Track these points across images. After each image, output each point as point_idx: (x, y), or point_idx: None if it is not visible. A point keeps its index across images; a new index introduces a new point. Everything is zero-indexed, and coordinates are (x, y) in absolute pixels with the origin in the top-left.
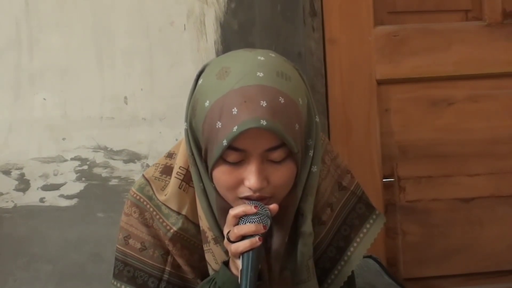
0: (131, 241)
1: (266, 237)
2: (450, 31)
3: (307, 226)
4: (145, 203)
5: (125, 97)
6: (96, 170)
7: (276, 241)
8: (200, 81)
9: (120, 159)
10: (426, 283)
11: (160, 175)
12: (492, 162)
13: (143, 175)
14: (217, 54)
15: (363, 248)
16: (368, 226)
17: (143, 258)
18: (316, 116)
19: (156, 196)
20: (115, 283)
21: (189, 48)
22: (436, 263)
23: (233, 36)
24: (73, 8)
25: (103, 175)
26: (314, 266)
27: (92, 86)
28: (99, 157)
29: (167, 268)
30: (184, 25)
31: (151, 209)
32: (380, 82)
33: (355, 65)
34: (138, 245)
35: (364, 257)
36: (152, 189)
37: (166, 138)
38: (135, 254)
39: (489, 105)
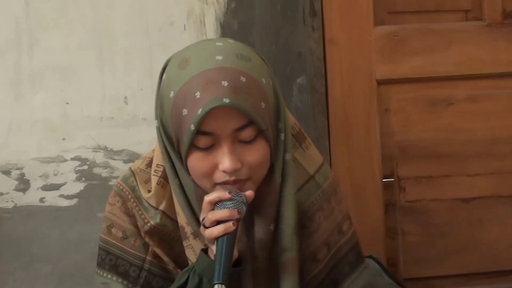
0: (113, 230)
1: (249, 226)
2: (450, 31)
3: (285, 216)
4: (127, 193)
5: (125, 97)
6: (96, 170)
7: (259, 229)
8: (164, 76)
9: (120, 159)
10: (426, 283)
11: (145, 168)
12: (492, 162)
13: (129, 168)
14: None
15: None
16: (356, 274)
17: (124, 247)
18: (283, 100)
19: (139, 188)
20: (98, 271)
21: None
22: (436, 263)
23: (233, 36)
24: (73, 8)
25: (103, 175)
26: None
27: (92, 86)
28: (99, 157)
29: (148, 257)
30: (184, 25)
31: (132, 200)
32: (380, 82)
33: (355, 65)
34: (120, 234)
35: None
36: (136, 180)
37: None
38: (117, 243)
39: (489, 105)
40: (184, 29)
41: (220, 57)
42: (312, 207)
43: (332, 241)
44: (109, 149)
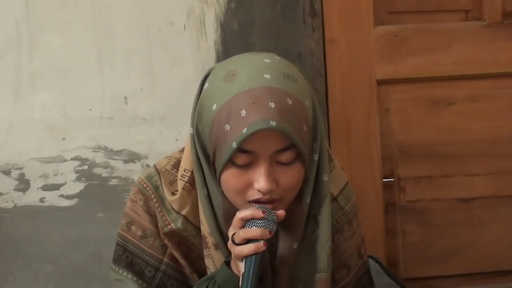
0: (133, 228)
1: (273, 242)
2: (450, 31)
3: (323, 238)
4: (150, 192)
5: (125, 97)
6: (96, 170)
7: (282, 247)
8: (206, 85)
9: (120, 159)
10: (426, 283)
11: (171, 169)
12: (492, 162)
13: (154, 165)
14: (217, 54)
15: None
16: None
17: (142, 246)
18: (321, 120)
19: (163, 188)
20: (113, 267)
21: (189, 48)
22: (436, 263)
23: (233, 36)
24: (73, 8)
25: (103, 175)
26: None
27: (92, 86)
28: (99, 157)
29: (165, 259)
30: (184, 25)
31: (155, 200)
32: (380, 82)
33: (355, 65)
34: (139, 233)
35: None
36: (160, 180)
37: (166, 138)
38: (135, 241)
39: (489, 105)
40: (184, 29)
41: (268, 76)
42: (332, 228)
43: (352, 263)
44: (109, 149)
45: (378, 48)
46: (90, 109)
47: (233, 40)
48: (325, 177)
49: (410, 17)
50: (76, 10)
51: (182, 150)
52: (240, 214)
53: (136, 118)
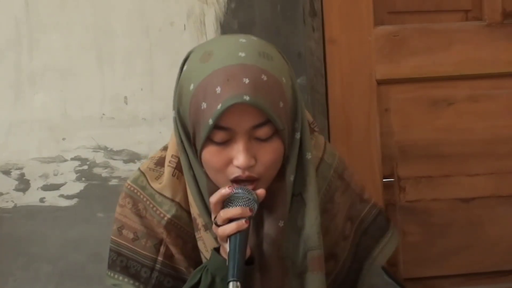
0: (124, 232)
1: (258, 223)
2: (450, 31)
3: (310, 216)
4: (138, 193)
5: (125, 97)
6: (96, 170)
7: (268, 225)
8: (184, 68)
9: (120, 159)
10: (426, 283)
11: (154, 166)
12: (492, 162)
13: (138, 168)
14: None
15: (384, 257)
16: (389, 235)
17: (135, 248)
18: (302, 100)
19: (150, 185)
20: (109, 273)
21: (189, 48)
22: (436, 263)
23: None
24: (73, 8)
25: (103, 175)
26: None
27: (92, 86)
28: (99, 157)
29: (159, 258)
30: (184, 25)
31: (145, 199)
32: (380, 82)
33: (355, 65)
34: (131, 235)
35: None
36: (146, 179)
37: (166, 138)
38: (128, 244)
39: (489, 105)
40: (184, 29)
41: (243, 54)
42: (329, 189)
43: (354, 213)
44: (109, 149)
45: (378, 48)
46: (90, 109)
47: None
48: (309, 155)
49: (410, 17)
50: (76, 10)
51: (163, 149)
52: (212, 199)
53: (136, 118)
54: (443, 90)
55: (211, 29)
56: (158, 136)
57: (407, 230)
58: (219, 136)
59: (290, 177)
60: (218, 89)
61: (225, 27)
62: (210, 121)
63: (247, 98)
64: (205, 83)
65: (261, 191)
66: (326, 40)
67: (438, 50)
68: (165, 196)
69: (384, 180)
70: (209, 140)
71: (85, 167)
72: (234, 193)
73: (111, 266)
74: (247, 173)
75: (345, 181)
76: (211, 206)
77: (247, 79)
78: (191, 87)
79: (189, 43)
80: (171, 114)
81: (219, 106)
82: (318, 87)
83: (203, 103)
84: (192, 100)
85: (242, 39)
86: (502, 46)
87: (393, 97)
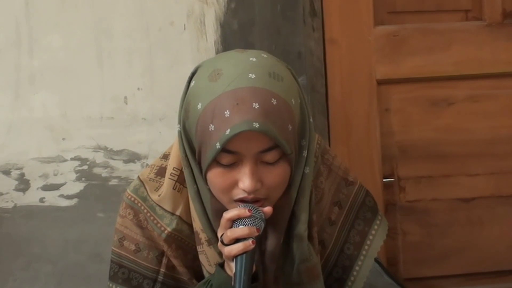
0: (125, 243)
1: (261, 239)
2: (450, 31)
3: (300, 229)
4: (139, 204)
5: (125, 97)
6: (96, 170)
7: (271, 243)
8: (192, 83)
9: (120, 159)
10: (426, 283)
11: (154, 177)
12: (492, 162)
13: (138, 177)
14: (217, 54)
15: (380, 240)
16: (380, 217)
17: (137, 260)
18: (310, 117)
19: (150, 197)
20: (110, 285)
21: (189, 48)
22: (436, 263)
23: (233, 36)
24: (73, 8)
25: (103, 175)
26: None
27: (92, 86)
28: (99, 157)
29: (161, 269)
30: (184, 25)
31: (145, 211)
32: (380, 82)
33: (355, 65)
34: (133, 247)
35: None
36: (146, 190)
37: (166, 138)
38: (130, 256)
39: (489, 105)
40: (184, 29)
41: (253, 76)
42: (313, 175)
43: (343, 197)
44: (109, 149)
45: (378, 48)
46: (90, 109)
47: (233, 40)
48: (307, 170)
49: (410, 17)
50: (76, 10)
51: (163, 157)
52: (227, 215)
53: (136, 118)
54: (443, 90)
55: (211, 29)
56: (158, 136)
57: (407, 230)
58: (226, 159)
59: (294, 194)
60: (227, 113)
61: (225, 27)
62: (218, 145)
63: (256, 125)
64: (214, 104)
65: (268, 209)
66: (326, 40)
67: (438, 50)
68: (165, 209)
69: (384, 180)
70: (215, 161)
71: (85, 167)
72: None
73: (113, 278)
74: (252, 196)
75: (327, 165)
76: (223, 221)
77: (257, 104)
78: (199, 106)
79: (189, 43)
80: (171, 114)
81: (227, 131)
82: (318, 87)
83: (211, 125)
84: (200, 119)
85: (252, 57)
86: (502, 46)
87: (393, 97)
